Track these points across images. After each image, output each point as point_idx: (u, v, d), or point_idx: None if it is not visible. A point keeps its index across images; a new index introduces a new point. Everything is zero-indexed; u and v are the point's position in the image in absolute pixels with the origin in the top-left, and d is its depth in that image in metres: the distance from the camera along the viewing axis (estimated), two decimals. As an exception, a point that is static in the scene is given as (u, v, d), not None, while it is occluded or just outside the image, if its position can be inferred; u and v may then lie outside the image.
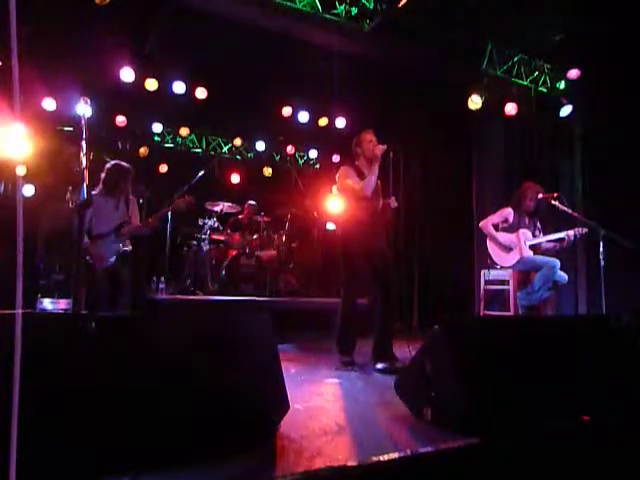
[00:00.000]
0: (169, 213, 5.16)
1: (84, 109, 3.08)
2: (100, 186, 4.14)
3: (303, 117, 7.39)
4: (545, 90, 6.34)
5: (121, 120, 7.22)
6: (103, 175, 4.16)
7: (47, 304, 5.11)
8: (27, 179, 5.81)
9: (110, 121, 7.15)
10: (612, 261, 4.34)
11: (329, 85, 5.00)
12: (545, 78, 6.33)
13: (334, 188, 7.35)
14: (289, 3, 4.77)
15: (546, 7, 5.15)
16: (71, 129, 6.80)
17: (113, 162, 4.21)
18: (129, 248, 4.14)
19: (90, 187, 2.88)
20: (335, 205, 6.58)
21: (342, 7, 4.99)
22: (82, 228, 3.68)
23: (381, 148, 3.47)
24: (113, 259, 3.99)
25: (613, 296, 4.39)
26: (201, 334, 1.75)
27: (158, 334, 1.68)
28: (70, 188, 5.46)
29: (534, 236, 4.71)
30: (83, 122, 2.98)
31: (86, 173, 2.83)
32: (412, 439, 1.77)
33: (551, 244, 4.68)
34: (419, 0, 4.80)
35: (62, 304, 5.10)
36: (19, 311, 0.96)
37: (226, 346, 1.76)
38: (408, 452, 1.55)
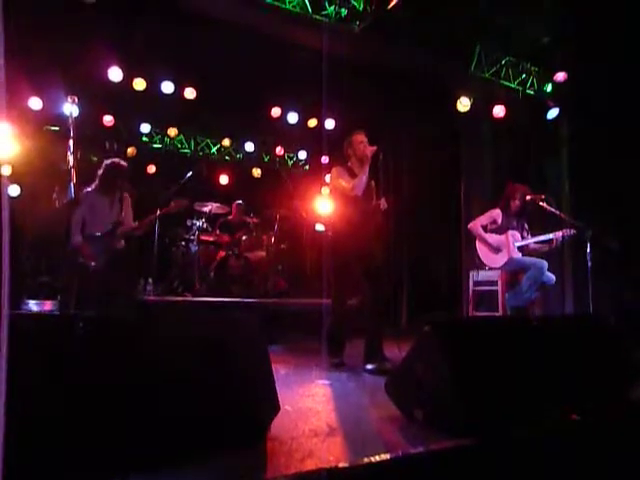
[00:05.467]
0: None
1: (71, 108, 3.06)
2: (96, 183, 4.09)
3: (292, 118, 7.38)
4: (532, 93, 6.40)
5: (109, 120, 7.15)
6: (100, 172, 4.10)
7: (33, 306, 5.04)
8: (12, 179, 5.73)
9: (97, 121, 7.06)
10: (599, 262, 4.39)
11: (318, 86, 5.00)
12: (532, 81, 6.39)
13: (324, 189, 7.39)
14: (279, 3, 4.76)
15: (533, 11, 5.20)
16: (57, 128, 6.71)
17: (111, 160, 4.17)
18: (122, 247, 4.10)
19: (77, 186, 2.85)
20: (324, 206, 6.59)
21: (332, 8, 4.99)
22: (72, 227, 3.64)
23: (372, 149, 3.48)
24: (105, 258, 3.93)
25: (600, 296, 4.44)
26: (190, 336, 1.73)
27: (145, 336, 1.66)
28: (57, 188, 5.39)
29: (522, 237, 4.74)
30: (70, 121, 2.95)
31: (73, 172, 2.80)
32: (403, 440, 1.77)
33: (539, 245, 4.72)
34: (408, 2, 4.82)
35: (48, 305, 5.04)
36: (5, 312, 0.94)
37: (215, 348, 1.74)
38: (399, 453, 1.54)
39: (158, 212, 4.46)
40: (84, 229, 3.96)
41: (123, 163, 4.19)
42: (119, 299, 3.83)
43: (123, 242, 4.15)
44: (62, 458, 1.31)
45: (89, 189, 4.09)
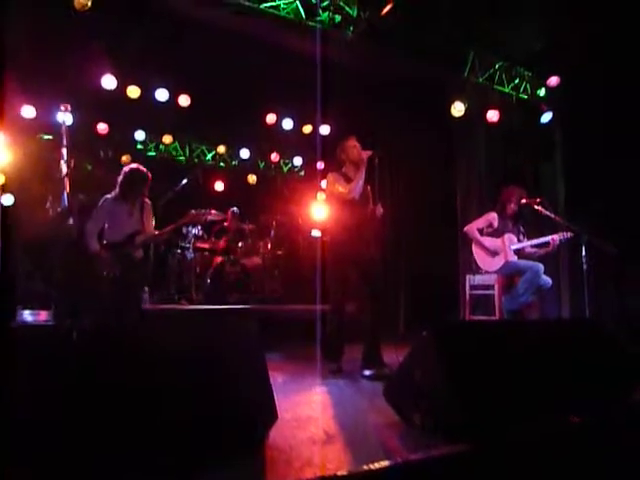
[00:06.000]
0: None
1: (65, 116, 3.04)
2: (117, 190, 3.95)
3: (287, 124, 7.39)
4: (526, 97, 6.44)
5: (103, 128, 7.13)
6: (120, 178, 3.95)
7: (27, 316, 4.99)
8: (6, 188, 5.70)
9: (91, 129, 7.04)
10: (595, 265, 4.40)
11: (313, 92, 5.00)
12: (526, 85, 6.42)
13: (319, 195, 7.39)
14: (273, 10, 4.77)
15: (527, 16, 5.24)
16: (51, 137, 6.69)
17: (131, 166, 4.02)
18: (140, 256, 3.98)
19: (71, 195, 2.83)
20: (320, 212, 6.58)
21: (326, 14, 5.01)
22: (86, 235, 3.54)
23: (367, 153, 3.50)
24: (121, 268, 3.80)
25: (596, 300, 4.45)
26: (186, 344, 1.72)
27: (141, 345, 1.65)
28: (50, 197, 5.36)
29: (518, 240, 4.75)
30: (64, 129, 2.93)
31: (67, 181, 2.78)
32: (402, 446, 1.76)
33: (534, 249, 4.73)
34: (402, 8, 4.85)
35: (43, 315, 4.99)
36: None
37: (213, 355, 1.73)
38: (399, 459, 1.53)
39: (179, 222, 4.33)
40: (102, 237, 3.84)
41: (143, 169, 4.04)
42: (128, 308, 3.76)
43: (142, 252, 4.01)
44: (56, 466, 1.29)
45: (109, 196, 3.96)
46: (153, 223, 4.11)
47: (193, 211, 4.33)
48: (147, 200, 4.08)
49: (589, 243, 4.37)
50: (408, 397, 1.99)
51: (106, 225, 3.88)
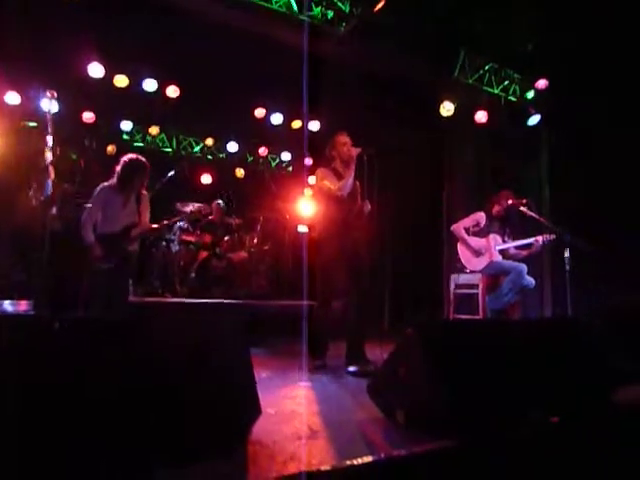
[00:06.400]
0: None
1: (50, 103, 2.99)
2: (114, 180, 3.84)
3: (276, 119, 7.35)
4: (514, 99, 6.50)
5: (89, 117, 7.02)
6: (118, 168, 3.84)
7: (7, 306, 4.90)
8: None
9: (77, 117, 6.93)
10: (577, 265, 4.46)
11: (303, 87, 4.98)
12: (515, 87, 6.49)
13: (307, 191, 7.38)
14: (265, 3, 4.74)
15: (516, 18, 5.28)
16: (35, 124, 6.56)
17: (129, 155, 3.91)
18: (135, 249, 3.89)
19: (55, 183, 2.77)
20: (307, 208, 6.57)
21: (318, 9, 5.00)
22: (82, 225, 3.46)
23: (357, 150, 3.49)
24: (115, 261, 3.72)
25: (578, 299, 4.51)
26: (169, 338, 1.70)
27: (123, 337, 1.62)
28: (34, 185, 5.26)
29: (503, 241, 4.80)
30: (49, 117, 2.88)
31: (51, 169, 2.73)
32: (386, 442, 1.76)
33: (517, 250, 4.79)
34: (394, 6, 4.85)
35: (23, 305, 4.91)
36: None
37: (196, 349, 1.71)
38: (382, 455, 1.53)
39: (177, 216, 4.23)
40: (96, 228, 3.74)
41: (142, 159, 3.92)
42: (118, 301, 3.69)
43: (137, 245, 3.93)
44: (37, 462, 1.27)
45: (106, 184, 3.84)
46: (149, 216, 4.01)
47: (179, 204, 4.26)
48: (144, 192, 3.98)
49: (572, 244, 4.43)
50: (392, 393, 2.00)
51: (100, 215, 3.78)
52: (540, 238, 4.59)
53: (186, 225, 6.43)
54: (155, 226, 4.04)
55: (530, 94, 6.53)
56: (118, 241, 3.76)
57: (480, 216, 4.84)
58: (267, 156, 9.22)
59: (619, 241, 4.85)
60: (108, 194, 3.79)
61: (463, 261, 4.88)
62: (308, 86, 4.78)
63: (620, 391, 2.24)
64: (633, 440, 1.95)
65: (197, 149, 8.72)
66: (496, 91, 6.37)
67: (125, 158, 3.90)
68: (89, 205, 3.75)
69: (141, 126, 8.01)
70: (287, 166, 9.58)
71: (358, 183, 3.63)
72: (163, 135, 8.35)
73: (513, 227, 4.98)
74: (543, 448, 1.73)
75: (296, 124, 7.53)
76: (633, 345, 2.74)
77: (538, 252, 4.74)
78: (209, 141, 8.49)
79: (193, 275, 6.02)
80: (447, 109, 6.10)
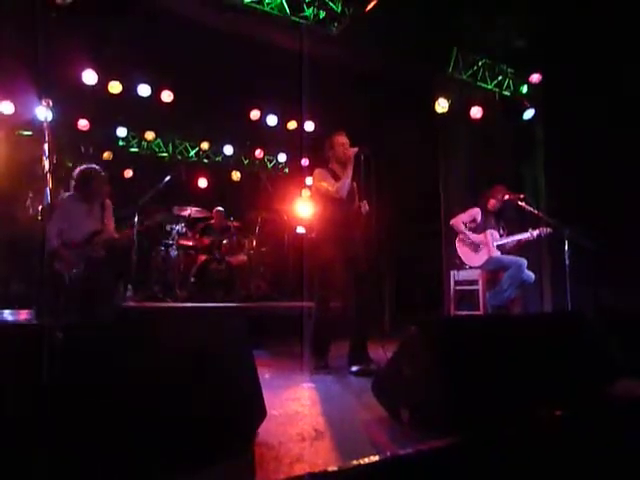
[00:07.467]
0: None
1: (46, 112, 2.98)
2: (72, 190, 3.97)
3: (271, 120, 7.35)
4: (509, 94, 6.51)
5: (84, 124, 7.01)
6: (73, 181, 3.98)
7: (8, 316, 4.89)
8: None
9: (72, 125, 6.92)
10: (576, 260, 4.47)
11: (298, 88, 4.98)
12: (509, 82, 6.49)
13: (304, 192, 7.38)
14: (257, 5, 4.74)
15: (510, 13, 5.30)
16: (30, 133, 6.55)
17: (83, 166, 4.04)
18: (101, 255, 3.94)
19: (53, 191, 2.77)
20: (305, 209, 6.57)
21: (310, 10, 4.99)
22: (48, 232, 3.52)
23: (354, 150, 3.49)
24: (83, 266, 3.77)
25: (578, 294, 4.52)
26: (173, 342, 1.70)
27: (127, 343, 1.62)
28: (31, 194, 5.25)
29: (500, 236, 4.81)
30: (45, 125, 2.88)
31: (49, 177, 2.73)
32: (391, 441, 1.77)
33: (515, 242, 4.79)
34: (386, 5, 4.85)
35: (24, 315, 4.90)
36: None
37: (201, 353, 1.71)
38: (388, 454, 1.53)
39: (138, 227, 4.35)
40: (61, 236, 3.82)
41: (95, 167, 4.05)
42: (100, 308, 3.71)
43: (103, 252, 3.98)
44: (40, 467, 1.26)
45: (66, 194, 3.98)
46: (113, 224, 4.13)
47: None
48: (108, 201, 4.11)
49: (571, 238, 4.45)
50: (396, 392, 2.00)
51: (65, 225, 3.86)
52: (536, 232, 4.60)
53: (184, 230, 6.43)
54: (118, 236, 4.14)
55: (524, 89, 6.54)
56: (83, 249, 3.84)
57: (476, 212, 4.86)
58: (263, 158, 9.23)
59: (617, 235, 4.85)
60: (69, 204, 3.90)
61: (462, 257, 4.89)
62: (302, 87, 4.80)
63: (621, 385, 2.25)
64: (633, 434, 1.96)
65: (193, 153, 8.71)
66: (490, 86, 6.38)
67: (78, 169, 4.04)
68: (52, 215, 3.81)
69: (136, 131, 8.00)
70: (283, 167, 9.58)
71: (355, 184, 3.63)
72: (159, 140, 8.35)
73: (507, 221, 5.00)
74: (547, 444, 1.73)
75: (291, 125, 7.53)
76: (628, 340, 2.75)
77: (534, 240, 4.74)
78: (205, 145, 8.48)
79: (193, 279, 6.02)
80: (442, 106, 6.11)
